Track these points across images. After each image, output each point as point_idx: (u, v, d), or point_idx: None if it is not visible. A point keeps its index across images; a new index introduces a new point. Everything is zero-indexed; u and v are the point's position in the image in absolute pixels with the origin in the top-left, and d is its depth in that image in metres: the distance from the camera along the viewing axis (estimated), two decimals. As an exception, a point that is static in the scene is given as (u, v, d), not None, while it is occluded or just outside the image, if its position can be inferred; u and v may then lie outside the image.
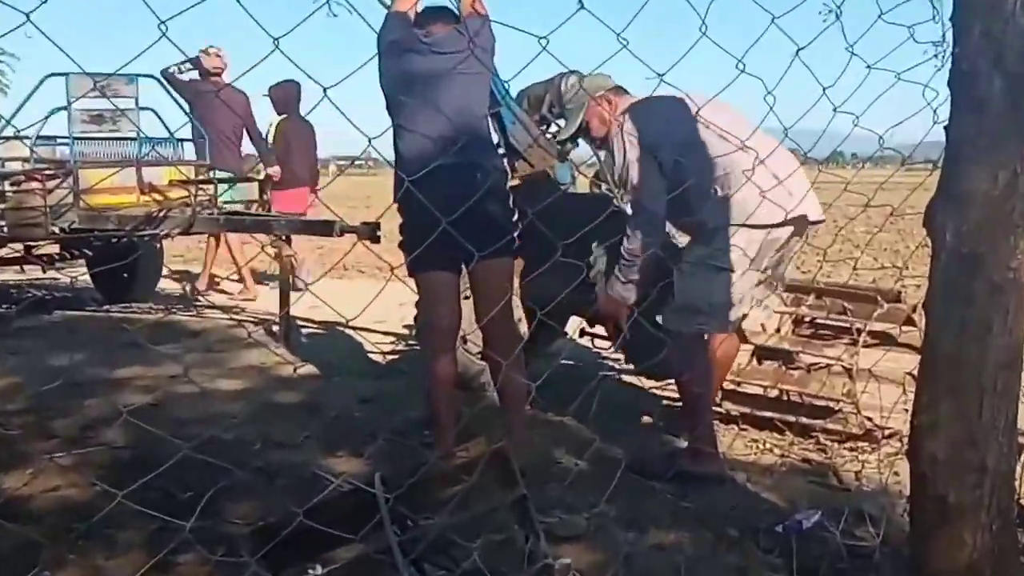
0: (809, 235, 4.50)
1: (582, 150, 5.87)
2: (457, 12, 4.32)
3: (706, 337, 4.49)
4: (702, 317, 4.37)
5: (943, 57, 2.72)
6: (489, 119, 4.62)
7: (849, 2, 2.71)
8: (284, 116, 9.92)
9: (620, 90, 4.82)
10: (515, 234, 4.24)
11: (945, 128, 2.27)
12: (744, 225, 4.22)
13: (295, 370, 6.42)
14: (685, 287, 4.37)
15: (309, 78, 2.18)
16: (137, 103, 8.42)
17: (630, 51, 2.48)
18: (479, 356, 5.18)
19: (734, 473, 4.36)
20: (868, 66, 2.83)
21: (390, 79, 4.16)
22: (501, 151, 5.43)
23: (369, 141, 2.15)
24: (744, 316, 4.59)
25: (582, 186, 6.20)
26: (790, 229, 4.34)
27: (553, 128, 5.94)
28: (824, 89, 2.85)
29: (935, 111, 2.72)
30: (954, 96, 2.25)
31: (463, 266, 4.29)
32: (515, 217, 4.27)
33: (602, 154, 5.22)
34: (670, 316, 4.41)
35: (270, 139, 9.85)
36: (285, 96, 9.81)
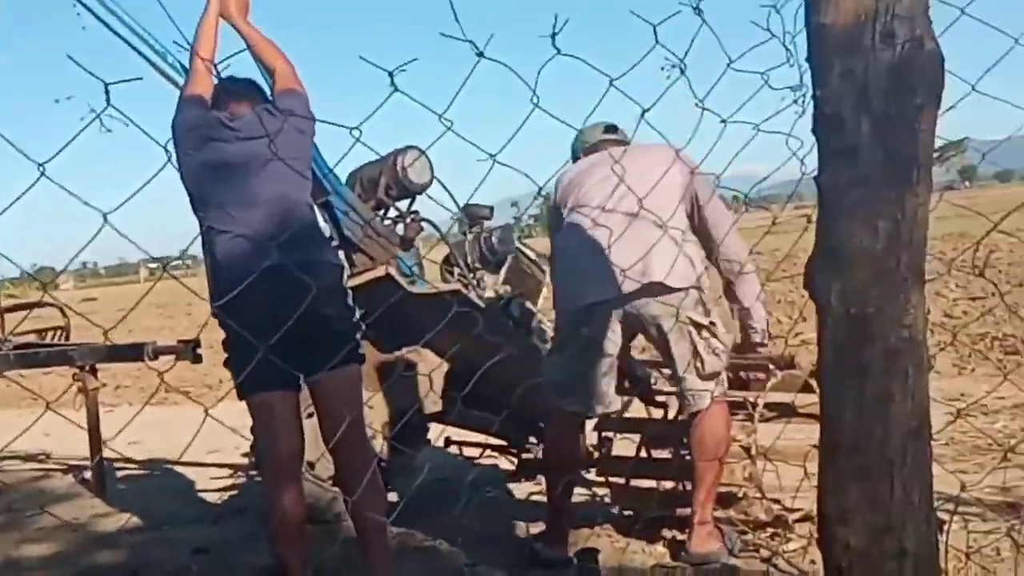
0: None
1: (429, 230, 5.91)
2: (267, 87, 4.26)
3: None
4: (564, 393, 4.76)
5: (803, 102, 2.79)
6: (317, 209, 4.57)
7: (695, 55, 2.75)
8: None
9: (607, 143, 5.13)
10: (358, 337, 4.15)
11: (815, 179, 2.30)
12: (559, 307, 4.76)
13: (116, 524, 6.17)
14: (555, 366, 4.80)
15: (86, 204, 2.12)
16: None
17: (456, 132, 2.48)
18: (330, 482, 5.06)
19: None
20: (723, 120, 2.89)
21: (192, 174, 4.01)
22: (335, 244, 5.37)
23: (104, 218, 2.06)
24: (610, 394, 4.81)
25: (430, 271, 6.17)
26: (619, 310, 4.61)
27: (392, 212, 5.95)
28: (678, 152, 2.89)
29: (802, 161, 2.78)
30: (821, 144, 2.27)
31: (302, 381, 4.06)
32: (355, 317, 4.18)
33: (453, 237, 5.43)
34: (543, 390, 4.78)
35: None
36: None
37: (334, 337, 3.94)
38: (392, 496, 5.06)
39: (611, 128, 5.23)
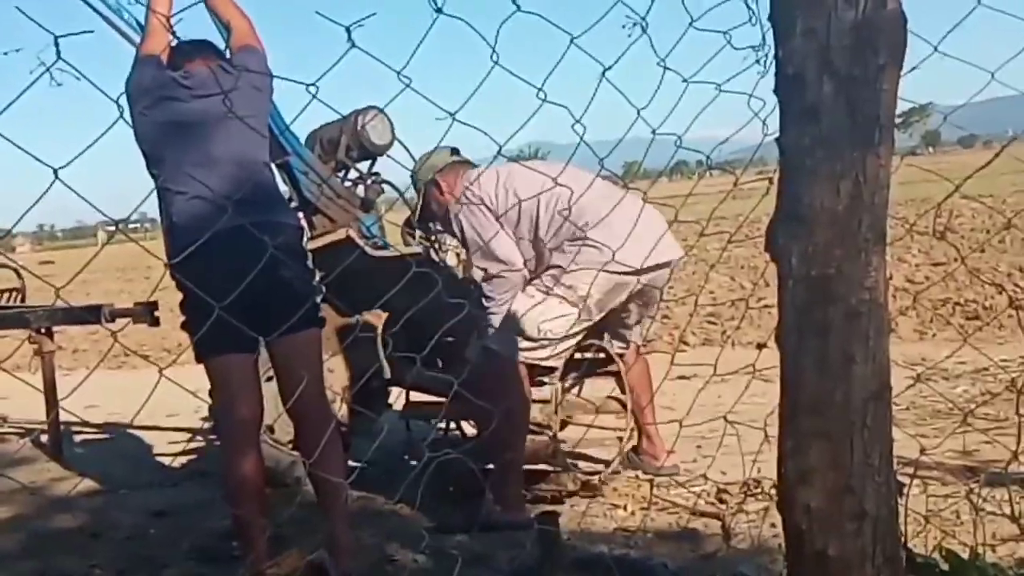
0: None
1: (390, 192, 5.89)
2: (225, 45, 4.20)
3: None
4: (524, 343, 4.92)
5: (765, 62, 2.78)
6: (277, 170, 4.52)
7: (657, 13, 2.73)
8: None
9: (459, 164, 5.20)
10: (318, 300, 4.11)
11: (777, 140, 2.29)
12: (593, 269, 4.72)
13: (73, 488, 6.13)
14: (519, 312, 4.93)
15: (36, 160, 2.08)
16: None
17: (414, 89, 2.45)
18: (290, 446, 5.04)
19: (595, 546, 4.35)
20: (685, 80, 2.87)
21: (147, 133, 3.96)
22: (294, 205, 5.33)
23: (55, 173, 2.01)
24: (565, 352, 5.08)
25: (392, 234, 6.13)
26: (648, 276, 5.03)
27: (353, 174, 5.91)
28: (639, 111, 2.87)
29: (764, 122, 2.77)
30: (783, 104, 2.26)
31: (261, 343, 4.01)
32: (316, 280, 4.14)
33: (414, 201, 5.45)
34: (493, 336, 4.98)
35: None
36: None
37: (293, 300, 3.90)
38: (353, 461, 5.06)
39: (456, 151, 5.52)
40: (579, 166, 4.50)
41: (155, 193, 3.95)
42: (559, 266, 4.97)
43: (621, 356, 5.50)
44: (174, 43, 4.14)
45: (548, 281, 4.99)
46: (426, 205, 5.41)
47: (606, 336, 5.44)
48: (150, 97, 3.96)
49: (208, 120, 3.92)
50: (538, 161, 5.25)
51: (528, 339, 4.91)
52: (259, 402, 4.10)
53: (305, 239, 4.38)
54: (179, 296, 3.94)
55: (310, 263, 4.16)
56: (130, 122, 3.90)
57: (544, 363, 5.00)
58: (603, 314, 5.07)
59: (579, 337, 5.09)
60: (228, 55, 4.20)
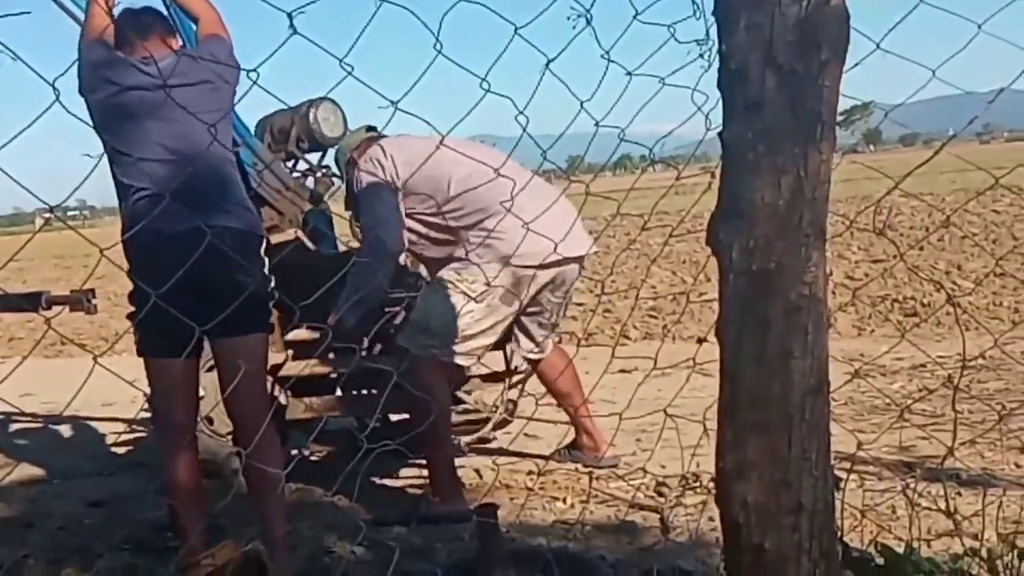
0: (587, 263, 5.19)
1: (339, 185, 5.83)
2: (166, 16, 4.09)
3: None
4: (430, 338, 4.85)
5: (709, 56, 2.78)
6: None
7: (601, 5, 2.72)
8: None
9: (374, 137, 5.10)
10: (270, 305, 4.01)
11: (720, 135, 2.30)
12: (498, 262, 4.71)
13: (5, 476, 6.04)
14: (423, 305, 4.92)
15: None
16: None
17: (356, 77, 2.42)
18: (229, 437, 4.99)
19: (534, 538, 4.35)
20: (628, 72, 2.87)
21: (105, 122, 3.78)
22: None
23: None
24: (480, 349, 4.97)
25: (339, 225, 6.06)
26: (553, 272, 4.90)
27: (302, 165, 5.86)
28: (582, 103, 2.87)
29: (707, 116, 2.78)
30: (726, 98, 2.26)
31: (206, 340, 3.76)
32: (271, 286, 4.02)
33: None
34: (403, 333, 4.92)
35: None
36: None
37: (245, 307, 3.60)
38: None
39: (372, 128, 5.38)
40: (520, 159, 4.46)
41: (90, 178, 3.83)
42: (461, 259, 4.87)
43: (538, 361, 5.44)
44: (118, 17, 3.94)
45: (450, 275, 4.89)
46: (348, 185, 5.27)
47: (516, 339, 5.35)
48: (106, 86, 3.78)
49: (174, 112, 3.66)
50: (463, 140, 5.10)
51: (433, 336, 4.85)
52: (195, 406, 4.05)
53: (262, 245, 4.19)
54: (116, 285, 3.87)
55: (267, 269, 4.03)
56: (90, 116, 3.77)
57: (455, 361, 4.91)
58: (512, 309, 4.94)
59: (491, 335, 4.97)
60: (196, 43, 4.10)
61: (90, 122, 3.82)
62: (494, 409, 5.52)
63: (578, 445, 5.62)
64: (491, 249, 4.75)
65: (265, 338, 4.04)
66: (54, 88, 2.25)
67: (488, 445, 5.88)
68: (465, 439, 5.67)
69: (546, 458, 5.45)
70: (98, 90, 3.79)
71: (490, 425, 5.52)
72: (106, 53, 3.84)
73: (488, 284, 4.70)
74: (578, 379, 5.53)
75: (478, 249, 4.77)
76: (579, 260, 5.09)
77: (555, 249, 4.18)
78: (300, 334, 5.19)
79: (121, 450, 6.67)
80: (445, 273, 4.91)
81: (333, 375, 5.35)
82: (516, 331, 5.26)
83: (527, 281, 4.85)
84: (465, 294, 4.77)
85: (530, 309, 5.13)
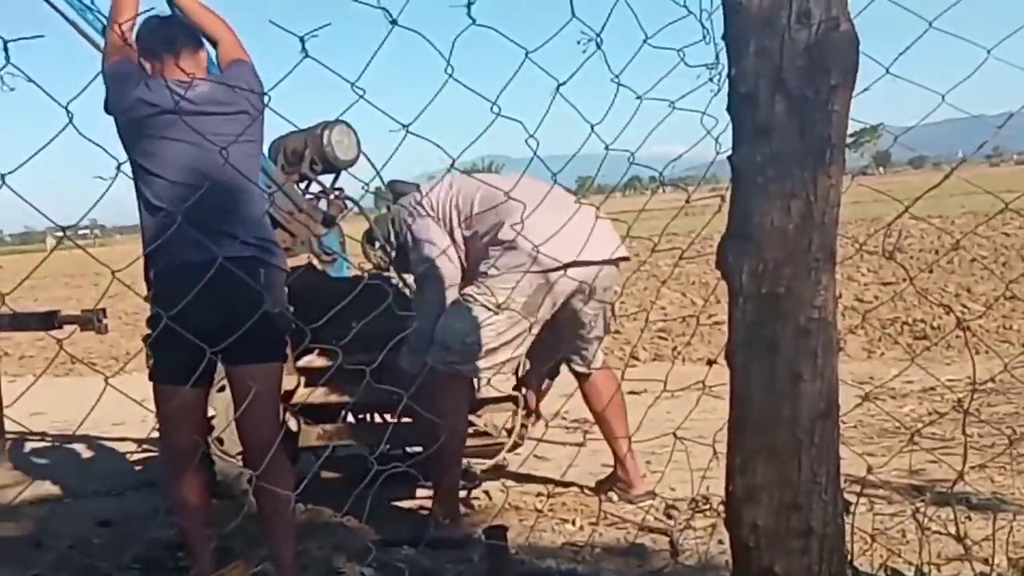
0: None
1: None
2: (189, 27, 4.06)
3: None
4: (452, 354, 4.78)
5: (719, 80, 2.79)
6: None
7: (612, 29, 2.73)
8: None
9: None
10: (286, 336, 4.00)
11: (729, 158, 2.30)
12: (517, 271, 4.63)
13: (17, 496, 6.05)
14: (445, 322, 4.83)
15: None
16: None
17: (367, 100, 2.44)
18: (239, 457, 4.99)
19: (543, 561, 4.35)
20: (638, 96, 2.88)
21: (135, 142, 3.75)
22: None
23: (2, 179, 1.99)
24: (505, 363, 4.91)
25: (352, 249, 6.07)
26: (577, 279, 4.78)
27: (315, 187, 5.86)
28: (592, 127, 2.88)
29: (717, 140, 2.79)
30: (735, 123, 2.27)
31: (220, 365, 3.85)
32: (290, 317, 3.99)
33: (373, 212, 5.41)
34: (430, 350, 4.81)
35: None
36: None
37: (262, 335, 3.65)
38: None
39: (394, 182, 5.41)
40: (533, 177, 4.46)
41: (104, 199, 3.82)
42: (483, 272, 4.82)
43: (583, 375, 5.36)
44: (142, 19, 3.90)
45: (470, 290, 4.84)
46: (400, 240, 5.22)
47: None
48: (142, 107, 3.74)
49: (208, 144, 3.52)
50: (492, 175, 5.13)
51: (455, 352, 4.78)
52: (202, 432, 4.08)
53: (284, 277, 4.15)
54: (126, 304, 3.88)
55: (286, 300, 4.02)
56: (117, 128, 3.76)
57: (479, 375, 4.90)
58: (536, 319, 4.82)
59: (515, 347, 4.86)
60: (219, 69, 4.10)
61: (102, 144, 3.80)
62: (507, 433, 5.45)
63: (614, 478, 5.45)
64: (509, 258, 4.71)
65: (280, 366, 4.05)
66: (67, 111, 2.27)
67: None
68: (480, 467, 5.64)
69: (554, 482, 5.43)
70: (131, 109, 3.76)
71: (503, 453, 5.46)
72: (138, 72, 3.80)
73: (508, 295, 4.65)
74: (624, 409, 5.37)
75: (496, 261, 4.75)
76: (608, 264, 4.95)
77: (581, 251, 4.43)
78: (312, 360, 5.20)
79: (131, 469, 6.67)
80: (466, 289, 4.87)
81: (346, 401, 5.31)
82: (559, 344, 5.23)
83: (546, 288, 4.76)
84: (486, 307, 4.71)
85: (564, 320, 5.06)
